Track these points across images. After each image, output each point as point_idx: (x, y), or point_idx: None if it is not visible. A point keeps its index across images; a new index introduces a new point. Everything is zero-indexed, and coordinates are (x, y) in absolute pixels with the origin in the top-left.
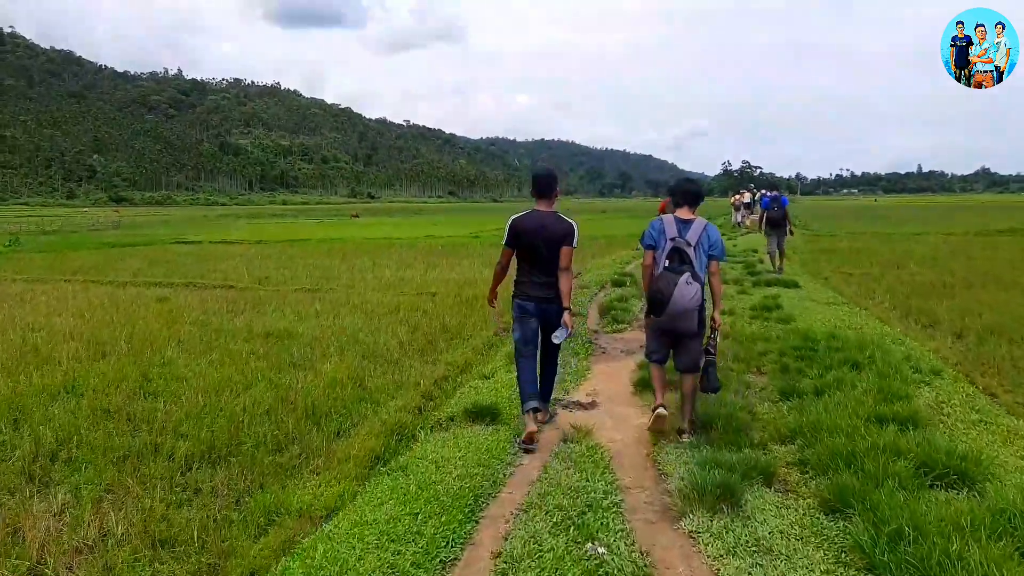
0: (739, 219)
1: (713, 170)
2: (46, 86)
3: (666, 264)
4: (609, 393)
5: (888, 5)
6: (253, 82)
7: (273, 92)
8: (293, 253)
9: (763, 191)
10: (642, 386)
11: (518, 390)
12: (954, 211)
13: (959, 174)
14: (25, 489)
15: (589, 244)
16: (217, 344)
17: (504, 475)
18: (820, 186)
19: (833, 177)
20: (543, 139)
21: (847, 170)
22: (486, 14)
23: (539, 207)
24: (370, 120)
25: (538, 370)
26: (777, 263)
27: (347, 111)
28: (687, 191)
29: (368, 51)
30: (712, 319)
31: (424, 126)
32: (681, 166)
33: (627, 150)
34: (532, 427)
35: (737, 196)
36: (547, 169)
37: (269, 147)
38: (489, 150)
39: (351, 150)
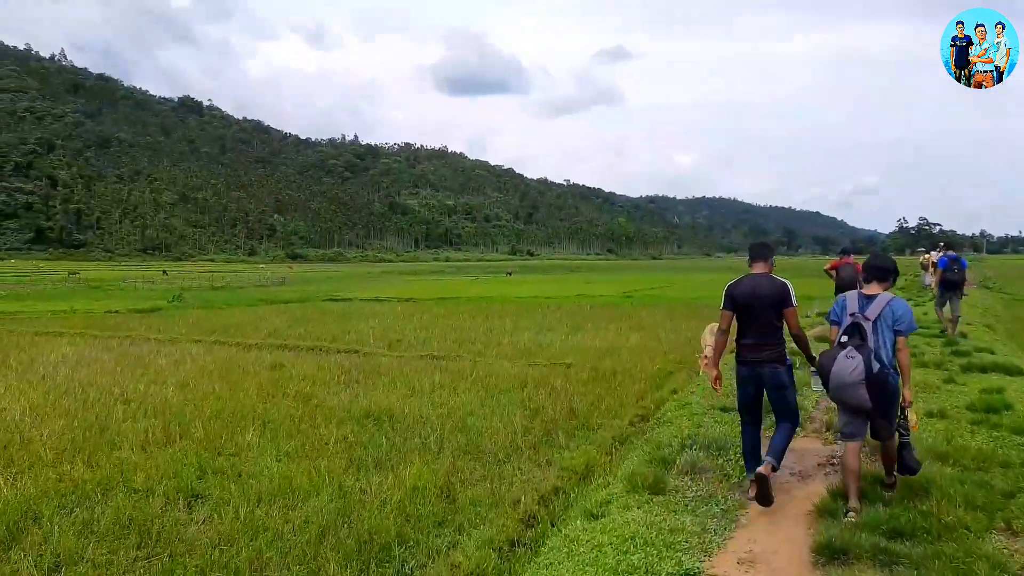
0: (929, 281)
1: (887, 227)
2: (236, 153)
3: (842, 339)
4: (773, 562)
5: None
6: (422, 146)
7: (440, 155)
8: (438, 312)
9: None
10: (829, 553)
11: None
12: None
13: None
14: None
15: None
16: (304, 428)
17: None
18: (1008, 244)
19: (1021, 235)
20: (703, 196)
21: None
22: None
23: (754, 270)
24: (531, 180)
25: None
26: (949, 326)
27: (509, 171)
28: (875, 266)
29: (530, 115)
30: (903, 396)
31: (583, 185)
32: (851, 223)
33: (792, 206)
34: (752, 492)
35: (927, 255)
36: (762, 240)
37: (435, 207)
38: (648, 208)
39: (512, 209)
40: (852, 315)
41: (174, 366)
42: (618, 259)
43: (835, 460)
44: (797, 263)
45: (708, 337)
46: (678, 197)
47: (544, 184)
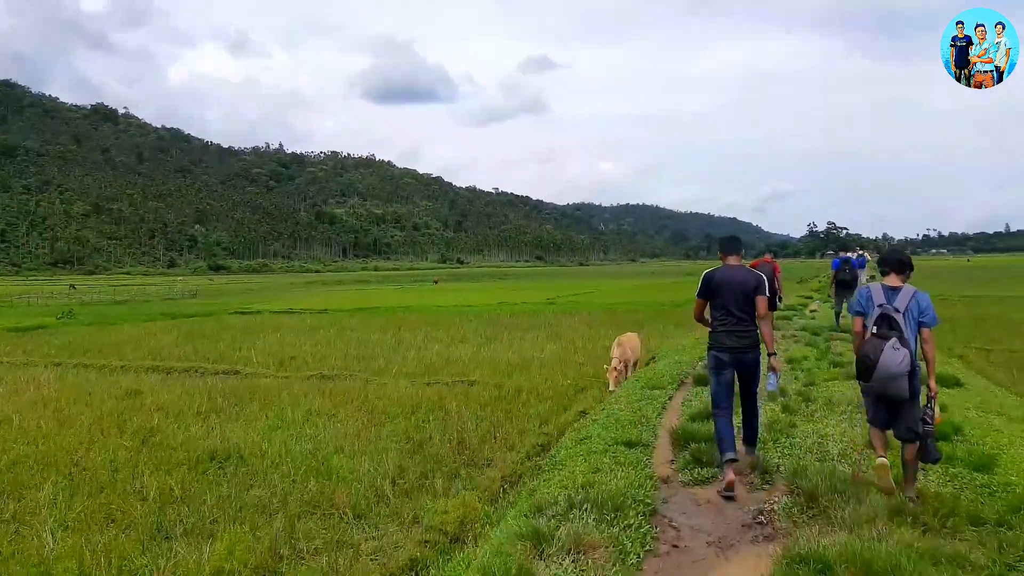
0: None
1: (798, 231)
2: (154, 162)
3: (874, 330)
4: None
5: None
6: (349, 154)
7: (368, 163)
8: (348, 325)
9: (860, 252)
10: None
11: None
12: None
13: None
14: None
15: (664, 316)
16: (121, 479)
17: None
18: (908, 246)
19: (920, 237)
20: (627, 203)
21: (934, 230)
22: (570, 87)
23: (729, 262)
24: (460, 188)
25: (736, 418)
26: (841, 323)
27: (438, 180)
28: (897, 260)
29: (458, 124)
30: (928, 387)
31: (512, 193)
32: (766, 228)
33: (711, 212)
34: (731, 476)
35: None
36: (730, 234)
37: (363, 215)
38: (575, 215)
39: (442, 217)
40: (881, 306)
41: (7, 396)
42: (546, 266)
43: (763, 517)
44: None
45: (616, 350)
46: (604, 204)
47: (473, 192)
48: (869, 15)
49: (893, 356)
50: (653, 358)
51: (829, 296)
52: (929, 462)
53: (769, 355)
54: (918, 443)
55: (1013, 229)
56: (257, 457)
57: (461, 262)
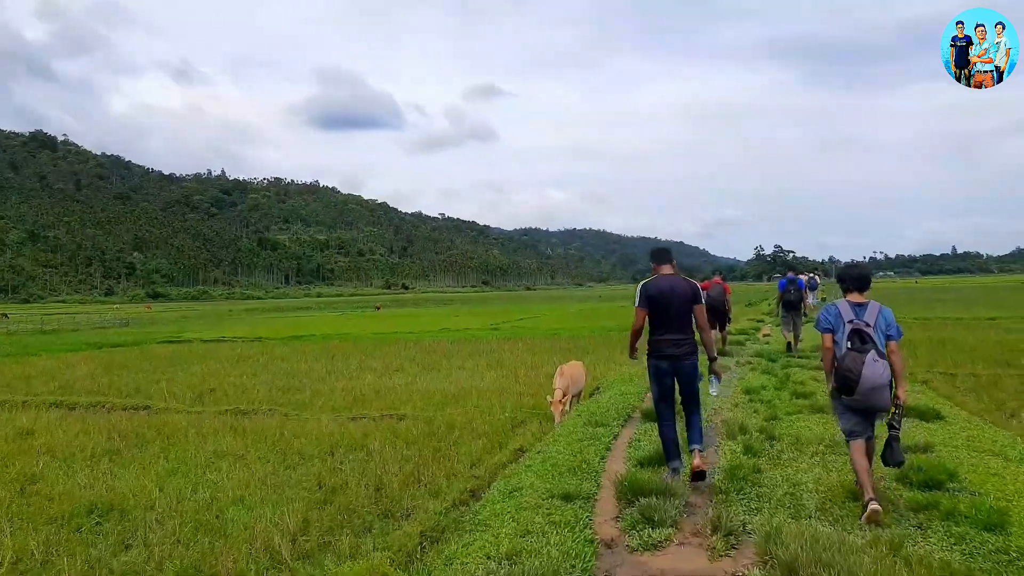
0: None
1: (745, 255)
2: (93, 189)
3: (848, 346)
4: None
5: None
6: (293, 180)
7: (312, 190)
8: (279, 354)
9: (812, 274)
10: None
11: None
12: (1004, 292)
13: (995, 254)
14: None
15: (611, 342)
16: None
17: None
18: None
19: (867, 260)
20: (575, 228)
21: (880, 252)
22: (518, 115)
23: (662, 272)
24: (406, 214)
25: (678, 423)
26: (791, 343)
27: (383, 206)
28: (857, 276)
29: (404, 150)
30: (896, 396)
31: (458, 219)
32: (712, 252)
33: (658, 237)
34: (697, 461)
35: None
36: (660, 247)
37: (306, 242)
38: (522, 240)
39: (387, 243)
40: (851, 322)
41: None
42: (493, 290)
43: None
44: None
45: (559, 380)
46: (551, 229)
47: (419, 218)
48: (816, 49)
49: (874, 368)
50: (597, 388)
51: (776, 315)
52: (894, 465)
53: (710, 360)
54: (874, 443)
55: (960, 251)
56: (143, 510)
57: (406, 287)
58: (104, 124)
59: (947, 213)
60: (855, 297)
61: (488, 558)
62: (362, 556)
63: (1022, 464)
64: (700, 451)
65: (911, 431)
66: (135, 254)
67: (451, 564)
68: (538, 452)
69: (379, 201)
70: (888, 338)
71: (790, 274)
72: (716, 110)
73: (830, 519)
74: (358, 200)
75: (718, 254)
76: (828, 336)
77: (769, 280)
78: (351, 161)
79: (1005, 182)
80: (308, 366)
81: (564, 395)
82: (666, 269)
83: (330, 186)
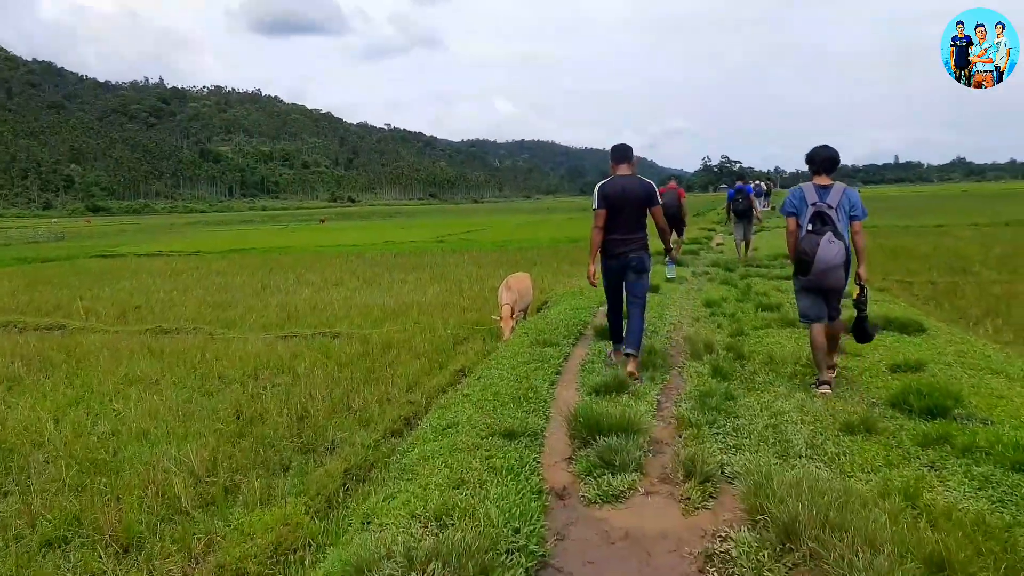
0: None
1: (692, 166)
2: (25, 97)
3: (809, 228)
4: None
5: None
6: (234, 89)
7: (254, 99)
8: (216, 268)
9: (759, 182)
10: None
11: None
12: (946, 200)
13: (935, 164)
14: None
15: (559, 253)
16: None
17: None
18: (799, 179)
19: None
20: (523, 140)
21: None
22: (465, 24)
23: (617, 172)
24: (351, 125)
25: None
26: (743, 252)
27: (328, 116)
28: (826, 158)
29: (349, 58)
30: (858, 275)
31: (405, 129)
32: (660, 163)
33: (606, 148)
34: (631, 368)
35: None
36: (621, 143)
37: (250, 153)
38: (469, 152)
39: (332, 155)
40: (814, 204)
41: None
42: (440, 203)
43: (716, 568)
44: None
45: (505, 294)
46: (499, 141)
47: (364, 129)
48: None
49: (829, 249)
50: (545, 303)
51: (728, 222)
52: (866, 341)
53: (666, 251)
54: (840, 323)
55: (902, 161)
56: (30, 447)
57: (353, 200)
58: (35, 29)
59: (890, 124)
60: (822, 180)
61: (413, 517)
62: (275, 502)
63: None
64: (635, 356)
65: (896, 346)
66: (72, 166)
67: (369, 523)
68: (478, 378)
69: (323, 111)
70: (853, 218)
71: (739, 183)
72: (664, 21)
73: (824, 458)
74: (302, 110)
75: (665, 165)
76: (792, 220)
77: (716, 190)
78: (294, 70)
79: (946, 94)
80: (243, 280)
81: (512, 310)
82: (624, 169)
83: (273, 95)
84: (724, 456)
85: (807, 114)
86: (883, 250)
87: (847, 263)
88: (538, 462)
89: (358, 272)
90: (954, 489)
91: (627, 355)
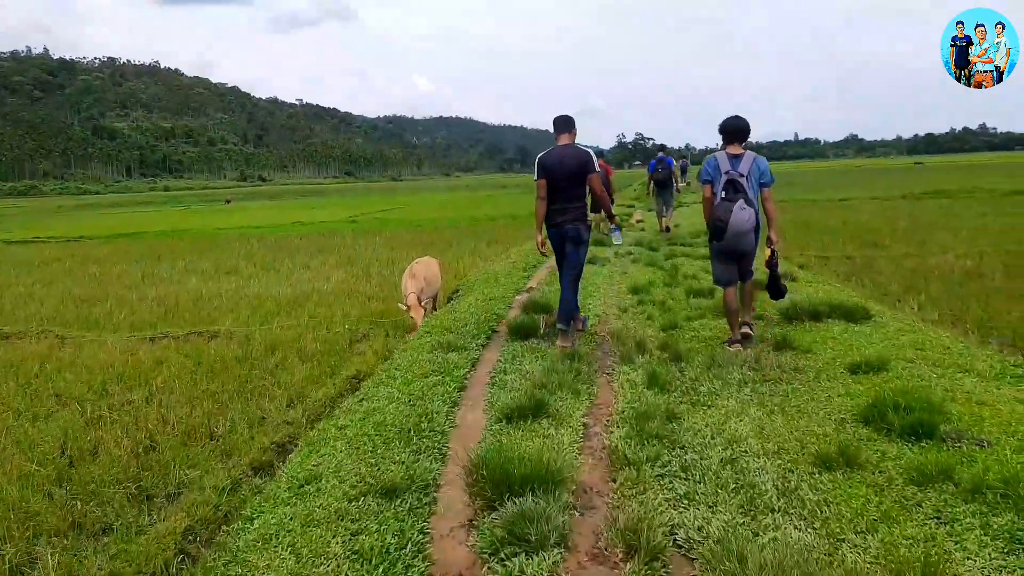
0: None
1: (608, 143)
2: None
3: (722, 195)
4: None
5: None
6: (130, 61)
7: (152, 72)
8: (97, 255)
9: (683, 159)
10: None
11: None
12: (844, 175)
13: (831, 140)
14: None
15: (477, 233)
16: None
17: None
18: (707, 155)
19: (718, 147)
20: (441, 116)
21: None
22: None
23: (559, 142)
24: (260, 100)
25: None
26: (664, 223)
27: (234, 90)
28: (737, 128)
29: (255, 30)
30: (769, 239)
31: (318, 105)
32: (577, 140)
33: (524, 125)
34: (562, 343)
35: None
36: (564, 114)
37: (149, 130)
38: (387, 128)
39: (240, 131)
40: (727, 173)
41: None
42: (357, 182)
43: None
44: (531, 179)
45: (409, 283)
46: (417, 118)
47: (275, 104)
48: None
49: (741, 215)
50: (457, 291)
51: (647, 195)
52: (780, 297)
53: (610, 219)
54: (752, 279)
55: (801, 137)
56: None
57: (264, 179)
58: None
59: (791, 102)
60: (734, 149)
61: None
62: (86, 556)
63: (1001, 382)
64: (565, 331)
65: (847, 338)
66: None
67: None
68: (361, 400)
69: (229, 85)
70: (762, 185)
71: (660, 154)
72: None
73: (804, 512)
74: (206, 84)
75: (583, 142)
76: (707, 187)
77: (630, 167)
78: (195, 42)
79: (842, 75)
80: (123, 269)
81: (419, 300)
82: (564, 139)
83: (173, 68)
84: (674, 512)
85: (719, 95)
86: (795, 224)
87: (757, 228)
88: (426, 534)
89: (256, 257)
90: (975, 555)
91: (560, 330)
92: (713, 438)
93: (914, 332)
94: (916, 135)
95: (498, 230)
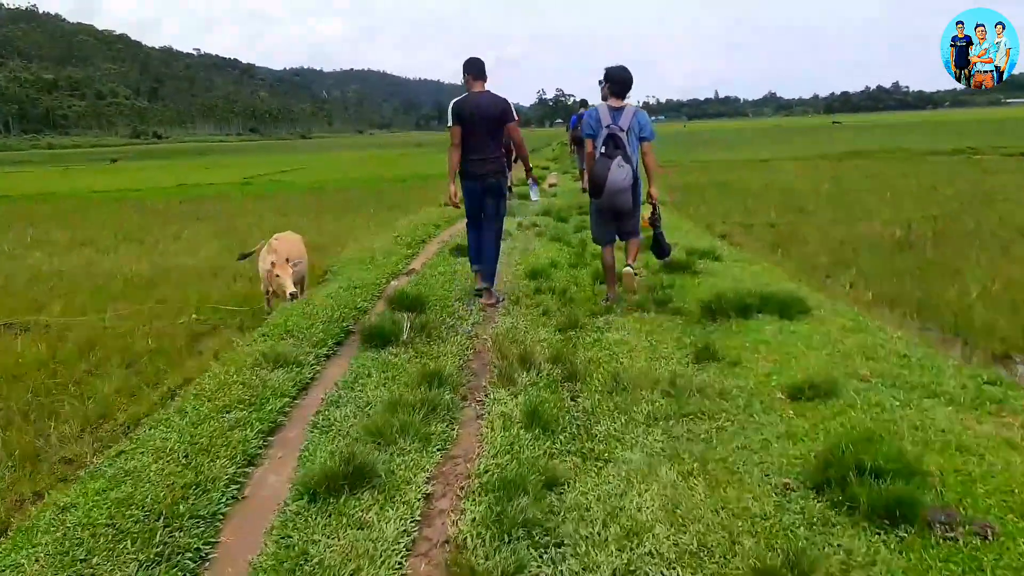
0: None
1: (528, 99)
2: None
3: (602, 151)
4: None
5: None
6: (2, 4)
7: (29, 17)
8: None
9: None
10: None
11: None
12: (764, 134)
13: (750, 99)
14: None
15: (381, 196)
16: None
17: None
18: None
19: (640, 104)
20: (352, 69)
21: (653, 97)
22: None
23: (473, 88)
24: (152, 49)
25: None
26: (585, 182)
27: (123, 38)
28: (622, 79)
29: None
30: (649, 195)
31: (217, 55)
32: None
33: (442, 80)
34: (484, 300)
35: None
36: (475, 56)
37: (28, 81)
38: (293, 81)
39: (132, 84)
40: (608, 127)
41: None
42: (263, 139)
43: None
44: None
45: (270, 257)
46: (326, 70)
47: (169, 54)
48: None
49: (619, 173)
50: (327, 273)
51: (571, 154)
52: (664, 256)
53: (527, 171)
54: (639, 238)
55: (721, 95)
56: None
57: (159, 136)
58: None
59: (708, 57)
60: (615, 102)
61: None
62: None
63: (980, 412)
64: (488, 289)
65: (782, 344)
66: None
67: None
68: (118, 454)
69: (117, 33)
70: (642, 139)
71: (582, 110)
72: None
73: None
74: (90, 31)
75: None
76: (590, 141)
77: (551, 125)
78: None
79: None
80: None
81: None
82: (479, 85)
83: (53, 13)
84: None
85: (637, 47)
86: (715, 185)
87: (636, 186)
88: None
89: (124, 226)
90: None
91: (478, 291)
92: (605, 526)
93: (860, 331)
94: (832, 93)
95: (404, 192)
